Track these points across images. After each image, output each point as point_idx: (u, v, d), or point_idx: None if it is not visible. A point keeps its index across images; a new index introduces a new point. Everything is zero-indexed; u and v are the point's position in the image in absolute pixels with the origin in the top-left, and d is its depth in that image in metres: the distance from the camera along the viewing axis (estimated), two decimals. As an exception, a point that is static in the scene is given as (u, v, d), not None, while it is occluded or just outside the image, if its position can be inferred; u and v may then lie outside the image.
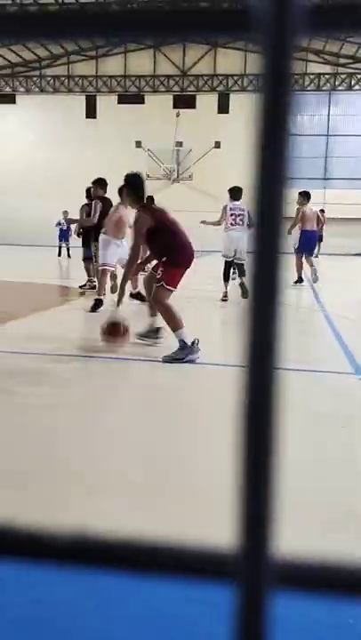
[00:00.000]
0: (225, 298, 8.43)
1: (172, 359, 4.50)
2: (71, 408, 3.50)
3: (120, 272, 5.84)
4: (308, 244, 10.63)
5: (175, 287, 4.74)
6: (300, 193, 10.56)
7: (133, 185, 4.99)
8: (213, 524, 2.06)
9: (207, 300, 8.75)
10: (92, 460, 2.71)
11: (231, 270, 8.82)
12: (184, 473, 2.59)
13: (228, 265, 8.62)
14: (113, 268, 7.34)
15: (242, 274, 8.66)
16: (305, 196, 10.50)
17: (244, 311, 0.23)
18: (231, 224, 8.47)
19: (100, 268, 7.34)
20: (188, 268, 4.81)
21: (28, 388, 3.91)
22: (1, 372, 4.32)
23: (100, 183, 8.27)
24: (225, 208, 8.67)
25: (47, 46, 26.16)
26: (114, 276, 7.55)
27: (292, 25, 0.24)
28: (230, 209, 8.53)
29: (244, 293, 8.35)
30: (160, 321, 5.05)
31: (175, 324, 4.60)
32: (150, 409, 3.58)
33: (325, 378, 4.40)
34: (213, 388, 4.03)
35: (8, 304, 8.00)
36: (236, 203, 8.55)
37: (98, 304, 7.20)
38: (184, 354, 4.49)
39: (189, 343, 4.50)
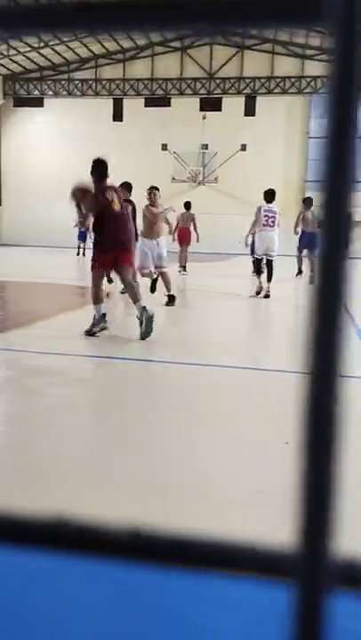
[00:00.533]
0: (259, 291, 9.19)
1: (89, 333, 5.68)
2: (91, 408, 3.52)
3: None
4: (309, 243, 12.16)
5: (105, 267, 5.92)
6: (303, 200, 12.40)
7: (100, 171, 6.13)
8: (232, 525, 2.05)
9: (230, 298, 8.72)
10: (107, 459, 2.72)
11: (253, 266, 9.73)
12: (196, 473, 2.58)
13: (258, 261, 9.38)
14: (148, 270, 7.66)
15: (270, 278, 9.24)
16: (307, 202, 12.40)
17: (307, 318, 0.23)
18: (264, 224, 9.14)
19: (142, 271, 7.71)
20: (115, 255, 5.74)
21: (51, 388, 3.95)
22: (27, 372, 4.37)
23: (127, 186, 8.36)
24: (259, 209, 9.29)
25: (75, 50, 26.40)
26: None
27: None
28: (264, 210, 9.18)
29: (267, 296, 9.13)
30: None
31: (96, 300, 5.76)
32: (169, 409, 3.58)
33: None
34: (234, 389, 4.02)
35: (36, 305, 8.08)
36: (270, 205, 9.25)
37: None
38: (96, 323, 5.71)
39: (99, 316, 5.72)
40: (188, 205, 14.09)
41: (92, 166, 6.11)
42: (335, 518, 0.25)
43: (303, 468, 0.24)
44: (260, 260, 9.37)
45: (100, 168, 6.08)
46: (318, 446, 0.24)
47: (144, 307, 5.55)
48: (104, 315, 5.83)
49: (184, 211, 13.92)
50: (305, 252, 12.50)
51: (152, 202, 7.80)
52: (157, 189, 7.83)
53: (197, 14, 0.26)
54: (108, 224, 5.66)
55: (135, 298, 5.69)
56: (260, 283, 9.36)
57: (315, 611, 0.24)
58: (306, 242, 12.25)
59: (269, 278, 9.29)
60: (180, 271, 13.19)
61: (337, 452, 0.24)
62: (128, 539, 0.28)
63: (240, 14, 0.26)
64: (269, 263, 9.34)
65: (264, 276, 9.36)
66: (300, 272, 12.70)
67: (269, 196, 9.37)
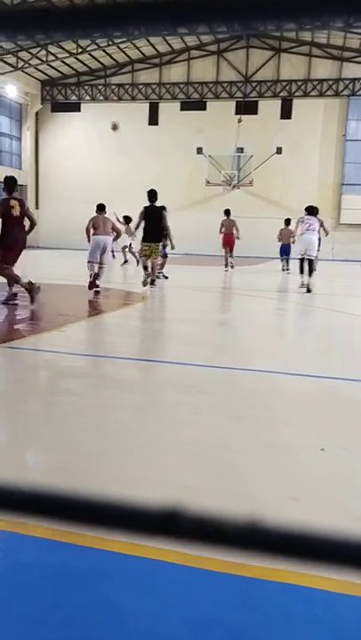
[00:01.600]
0: (303, 286, 10.65)
1: (4, 302, 7.51)
2: (124, 409, 3.54)
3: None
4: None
5: (7, 263, 7.39)
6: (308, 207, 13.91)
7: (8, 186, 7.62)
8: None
9: (266, 297, 8.62)
10: (142, 459, 2.72)
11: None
12: (232, 478, 2.56)
13: (301, 261, 10.96)
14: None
15: (311, 272, 10.82)
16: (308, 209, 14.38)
17: None
18: (306, 229, 10.80)
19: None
20: (15, 250, 7.45)
21: (84, 389, 3.98)
22: (58, 373, 4.42)
23: (152, 194, 10.23)
24: (301, 219, 10.98)
25: (112, 55, 26.68)
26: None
27: None
28: (304, 220, 10.88)
29: (309, 291, 10.64)
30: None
31: (10, 281, 7.52)
32: (201, 412, 3.56)
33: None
34: (266, 393, 3.98)
35: (69, 307, 8.17)
36: (310, 216, 10.90)
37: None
38: (11, 299, 7.53)
39: (12, 294, 7.58)
40: (228, 212, 16.09)
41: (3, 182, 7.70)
42: None
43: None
44: (303, 260, 10.85)
45: (5, 184, 7.60)
46: None
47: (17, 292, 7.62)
48: (15, 294, 7.58)
49: (224, 217, 16.07)
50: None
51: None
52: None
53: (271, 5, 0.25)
54: (11, 227, 7.32)
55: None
56: (303, 281, 10.78)
57: None
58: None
59: (310, 274, 10.80)
60: (226, 270, 15.83)
61: None
62: (245, 530, 0.28)
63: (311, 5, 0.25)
64: (310, 262, 10.80)
65: (305, 274, 10.90)
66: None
67: (310, 209, 11.03)
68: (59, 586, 1.75)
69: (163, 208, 10.26)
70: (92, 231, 9.71)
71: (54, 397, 3.80)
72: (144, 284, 10.32)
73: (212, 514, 0.28)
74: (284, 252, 16.68)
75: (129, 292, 10.17)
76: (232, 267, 15.97)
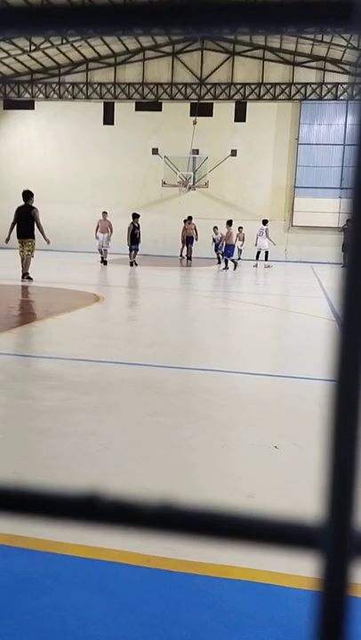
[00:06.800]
0: (256, 265, 19.68)
1: None
2: (81, 411, 3.52)
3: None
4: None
5: None
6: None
7: None
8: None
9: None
10: (101, 462, 2.73)
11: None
12: (188, 477, 2.59)
13: (258, 253, 20.11)
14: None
15: (266, 258, 19.45)
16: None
17: (334, 329, 0.24)
18: (258, 235, 18.44)
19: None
20: None
21: (44, 392, 3.94)
22: (17, 376, 4.36)
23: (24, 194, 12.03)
24: (260, 229, 19.30)
25: (66, 53, 26.40)
26: None
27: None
28: (259, 229, 18.78)
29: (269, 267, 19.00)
30: None
31: None
32: (159, 413, 3.59)
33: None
34: (224, 393, 4.03)
35: (21, 309, 8.05)
36: (263, 225, 18.93)
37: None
38: None
39: None
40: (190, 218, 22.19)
41: None
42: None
43: (329, 443, 0.25)
44: (259, 251, 20.22)
45: None
46: (343, 424, 0.25)
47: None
48: None
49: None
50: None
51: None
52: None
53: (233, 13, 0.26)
54: None
55: None
56: (257, 264, 19.79)
57: (340, 580, 0.25)
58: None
59: (266, 258, 19.90)
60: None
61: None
62: (160, 513, 0.29)
63: (273, 15, 0.25)
64: (266, 254, 19.95)
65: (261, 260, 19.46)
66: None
67: (264, 222, 19.96)
68: (12, 591, 1.74)
69: (33, 208, 12.06)
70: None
71: (9, 401, 3.75)
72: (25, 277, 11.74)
73: (129, 498, 0.29)
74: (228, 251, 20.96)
75: (86, 292, 10.09)
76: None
